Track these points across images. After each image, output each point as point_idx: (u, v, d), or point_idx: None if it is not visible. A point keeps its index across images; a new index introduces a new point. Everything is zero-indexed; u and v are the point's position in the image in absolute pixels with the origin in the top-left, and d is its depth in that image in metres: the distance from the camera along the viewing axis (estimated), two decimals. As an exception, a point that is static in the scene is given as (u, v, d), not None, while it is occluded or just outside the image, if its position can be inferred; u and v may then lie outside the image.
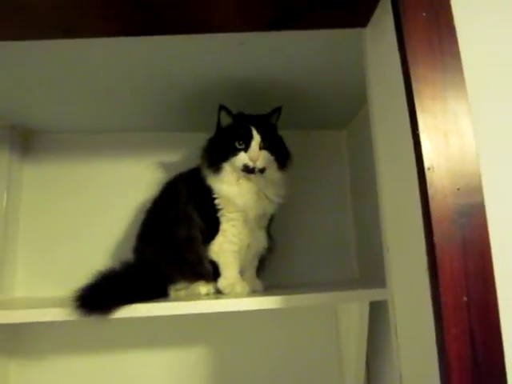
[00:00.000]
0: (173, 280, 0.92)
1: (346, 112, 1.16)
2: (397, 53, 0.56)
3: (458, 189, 0.50)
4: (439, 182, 0.50)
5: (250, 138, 0.90)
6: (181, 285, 0.93)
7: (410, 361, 0.58)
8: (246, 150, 0.90)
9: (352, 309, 0.99)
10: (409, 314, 0.58)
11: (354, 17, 0.66)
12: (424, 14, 0.55)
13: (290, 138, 1.01)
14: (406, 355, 0.59)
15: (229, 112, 0.93)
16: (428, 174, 0.50)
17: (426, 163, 0.51)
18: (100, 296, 0.79)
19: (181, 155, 1.20)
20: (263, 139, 0.91)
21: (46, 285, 1.12)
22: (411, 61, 0.53)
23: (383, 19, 0.61)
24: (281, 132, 1.00)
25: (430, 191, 0.49)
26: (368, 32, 0.68)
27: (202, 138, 0.98)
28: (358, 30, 0.68)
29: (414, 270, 0.54)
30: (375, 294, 0.84)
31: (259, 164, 0.90)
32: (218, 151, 0.93)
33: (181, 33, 0.67)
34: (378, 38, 0.64)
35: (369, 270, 1.13)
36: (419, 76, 0.53)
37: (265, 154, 0.91)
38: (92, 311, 0.76)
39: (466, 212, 0.49)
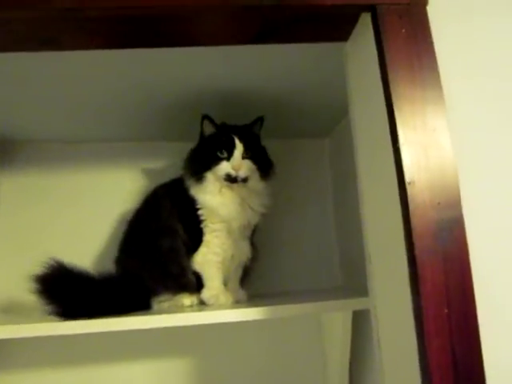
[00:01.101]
0: (156, 292, 0.91)
1: (328, 121, 1.16)
2: (377, 66, 0.57)
3: (439, 203, 0.51)
4: (420, 197, 0.51)
5: (232, 147, 0.90)
6: (164, 297, 0.92)
7: (392, 370, 0.58)
8: (228, 159, 0.90)
9: (335, 318, 0.99)
10: (391, 324, 0.59)
11: (336, 31, 0.66)
12: (403, 31, 0.57)
13: (272, 146, 1.01)
14: (388, 364, 0.59)
15: (212, 121, 0.93)
16: (409, 188, 0.51)
17: (407, 177, 0.51)
18: (79, 308, 0.78)
19: (164, 165, 1.19)
20: (246, 148, 0.91)
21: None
22: (391, 77, 0.54)
23: (364, 34, 0.62)
24: (263, 141, 1.00)
25: (411, 206, 0.50)
26: (349, 45, 0.68)
27: (185, 148, 0.98)
28: (339, 43, 0.69)
29: (395, 281, 0.55)
30: (358, 304, 0.84)
31: (242, 173, 0.90)
32: (201, 160, 0.92)
33: (166, 46, 0.66)
34: (359, 52, 0.65)
35: (352, 277, 1.14)
36: (399, 92, 0.54)
37: (247, 163, 0.91)
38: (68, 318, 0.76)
39: (446, 226, 0.50)
